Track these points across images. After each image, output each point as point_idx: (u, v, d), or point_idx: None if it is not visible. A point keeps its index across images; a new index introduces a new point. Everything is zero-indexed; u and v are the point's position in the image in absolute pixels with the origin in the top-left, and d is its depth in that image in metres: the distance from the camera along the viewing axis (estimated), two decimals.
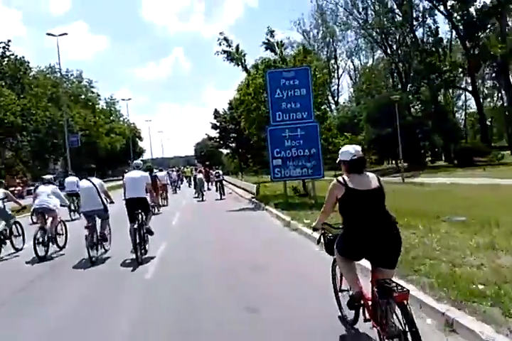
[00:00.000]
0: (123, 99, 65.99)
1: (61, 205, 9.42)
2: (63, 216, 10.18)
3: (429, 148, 48.50)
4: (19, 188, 35.84)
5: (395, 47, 53.51)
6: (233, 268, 6.81)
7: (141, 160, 17.84)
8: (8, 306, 5.67)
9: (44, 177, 9.80)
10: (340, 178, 3.54)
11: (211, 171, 29.11)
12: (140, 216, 7.67)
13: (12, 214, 9.56)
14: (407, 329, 2.92)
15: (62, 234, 9.27)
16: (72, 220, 13.79)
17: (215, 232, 10.87)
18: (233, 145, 45.77)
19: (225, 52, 18.07)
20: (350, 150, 3.61)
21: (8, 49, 45.89)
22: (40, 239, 8.24)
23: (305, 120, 15.00)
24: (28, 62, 46.23)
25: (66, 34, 34.24)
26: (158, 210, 15.80)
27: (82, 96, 67.30)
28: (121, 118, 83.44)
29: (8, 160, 50.92)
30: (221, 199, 21.02)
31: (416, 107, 50.34)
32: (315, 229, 4.12)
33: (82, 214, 8.54)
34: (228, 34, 18.15)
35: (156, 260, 7.58)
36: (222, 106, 45.23)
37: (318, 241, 4.30)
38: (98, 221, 8.26)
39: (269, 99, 15.36)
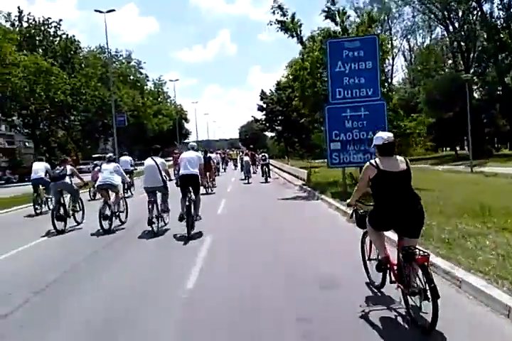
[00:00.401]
0: (171, 80, 65.14)
1: (122, 182, 10.12)
2: None
3: (493, 134, 44.35)
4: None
5: (457, 24, 48.83)
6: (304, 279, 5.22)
7: (188, 142, 18.64)
8: (84, 266, 6.48)
9: (106, 155, 10.50)
10: (372, 161, 4.06)
11: (256, 154, 28.44)
12: (190, 192, 8.40)
13: (78, 190, 10.24)
14: (427, 287, 3.49)
15: (124, 210, 9.87)
16: (126, 198, 12.97)
17: (269, 224, 9.42)
18: (279, 128, 43.74)
19: (279, 22, 16.11)
20: (383, 136, 4.10)
21: (59, 28, 46.00)
22: (105, 213, 8.87)
23: (370, 98, 12.93)
24: (79, 42, 46.10)
25: (114, 10, 33.34)
26: (212, 190, 16.66)
27: (131, 77, 67.41)
28: (168, 100, 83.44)
29: (60, 139, 51.82)
30: (266, 182, 20.73)
31: (480, 89, 45.95)
32: (349, 205, 4.66)
33: (143, 190, 9.05)
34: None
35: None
36: (269, 88, 43.58)
37: (351, 216, 4.91)
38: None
39: (328, 74, 13.38)
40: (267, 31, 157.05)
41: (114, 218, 9.21)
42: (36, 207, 12.45)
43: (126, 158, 16.15)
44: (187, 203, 8.13)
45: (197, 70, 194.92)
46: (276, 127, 43.80)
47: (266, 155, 23.43)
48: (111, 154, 10.82)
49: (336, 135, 13.16)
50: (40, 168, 12.52)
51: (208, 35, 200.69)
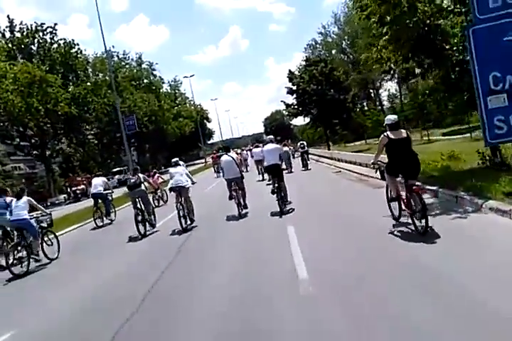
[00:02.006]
0: (185, 77, 59.47)
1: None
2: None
3: None
4: (82, 187, 30.59)
5: None
6: None
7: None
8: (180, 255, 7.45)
9: (172, 160, 10.69)
10: (385, 133, 6.19)
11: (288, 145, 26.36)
12: (276, 179, 9.68)
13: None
14: (419, 207, 5.68)
15: (193, 210, 10.09)
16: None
17: None
18: (314, 111, 36.90)
19: None
20: (391, 118, 6.38)
21: (56, 33, 40.60)
22: (181, 213, 9.46)
23: None
24: (78, 44, 40.58)
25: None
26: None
27: (145, 81, 62.08)
28: (186, 101, 77.82)
29: (77, 157, 47.05)
30: (306, 169, 20.87)
31: None
32: (373, 164, 7.13)
33: (225, 180, 10.60)
34: None
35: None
36: (286, 78, 36.51)
37: (376, 171, 7.23)
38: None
39: None
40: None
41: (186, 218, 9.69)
42: (97, 220, 13.04)
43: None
44: (275, 190, 9.52)
45: (212, 71, 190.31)
46: (312, 110, 36.87)
47: (304, 143, 23.40)
48: (176, 158, 10.98)
49: (496, 80, 6.64)
50: (98, 183, 13.36)
51: (219, 34, 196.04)
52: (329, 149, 36.36)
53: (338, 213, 8.62)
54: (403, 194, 6.20)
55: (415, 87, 31.07)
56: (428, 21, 8.89)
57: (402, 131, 6.17)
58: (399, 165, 6.10)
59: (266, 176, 18.48)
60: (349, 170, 16.86)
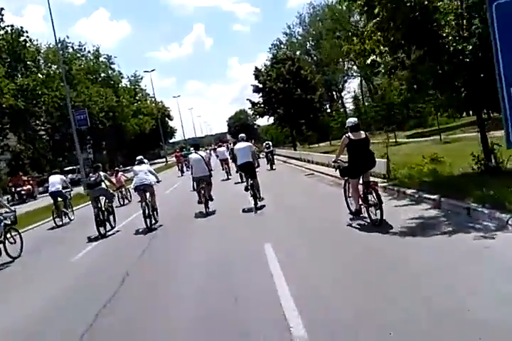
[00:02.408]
0: (146, 71, 56.67)
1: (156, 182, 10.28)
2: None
3: None
4: (28, 187, 27.76)
5: None
6: None
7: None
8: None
9: (136, 158, 10.50)
10: (347, 134, 6.77)
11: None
12: (249, 176, 9.88)
13: (113, 194, 10.89)
14: (377, 202, 6.33)
15: (157, 209, 10.07)
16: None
17: None
18: (280, 111, 35.66)
19: None
20: (351, 120, 7.03)
21: (2, 19, 37.10)
22: (146, 212, 9.27)
23: None
24: (27, 32, 37.27)
25: None
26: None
27: (102, 75, 58.83)
28: (147, 97, 74.79)
29: (28, 154, 43.51)
30: (272, 169, 20.47)
31: None
32: (334, 162, 7.47)
33: (192, 179, 11.25)
34: None
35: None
36: (250, 79, 35.21)
37: (336, 169, 7.61)
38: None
39: None
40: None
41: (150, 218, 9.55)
42: (56, 219, 12.61)
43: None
44: (249, 186, 9.76)
45: (175, 68, 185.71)
46: (278, 109, 35.58)
47: (270, 143, 23.32)
48: (141, 156, 10.76)
49: None
50: (56, 181, 12.88)
51: (183, 32, 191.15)
52: (295, 150, 35.24)
53: (306, 213, 8.83)
54: (360, 190, 6.85)
55: (385, 86, 30.44)
56: (426, 2, 7.61)
57: (362, 132, 6.82)
58: (359, 164, 6.74)
59: (232, 176, 17.83)
60: (322, 173, 15.57)
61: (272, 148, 22.37)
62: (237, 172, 15.14)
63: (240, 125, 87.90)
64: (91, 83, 48.88)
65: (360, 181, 6.88)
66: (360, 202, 6.81)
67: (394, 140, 31.04)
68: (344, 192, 7.53)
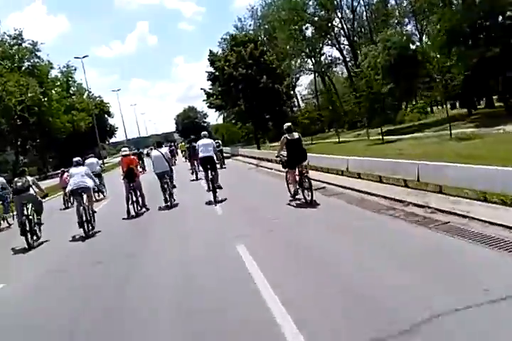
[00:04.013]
0: (77, 58, 48.29)
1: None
2: None
3: None
4: None
5: None
6: None
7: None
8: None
9: (74, 159, 9.95)
10: (285, 135, 8.77)
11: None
12: (211, 172, 10.67)
13: (41, 201, 9.57)
14: (307, 185, 8.45)
15: (95, 213, 9.50)
16: (97, 201, 13.14)
17: None
18: (242, 102, 29.61)
19: None
20: (287, 124, 9.06)
21: None
22: (84, 218, 8.71)
23: None
24: None
25: None
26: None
27: (26, 63, 49.65)
28: (83, 92, 65.59)
29: None
30: (222, 168, 19.79)
31: None
32: (277, 156, 9.81)
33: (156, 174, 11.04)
34: None
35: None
36: (196, 78, 29.46)
37: (279, 162, 10.49)
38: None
39: None
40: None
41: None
42: None
43: (93, 160, 15.21)
44: (209, 177, 10.68)
45: (118, 66, 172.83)
46: (239, 101, 29.45)
47: (219, 142, 22.93)
48: (78, 158, 10.19)
49: None
50: None
51: (126, 29, 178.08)
52: (259, 148, 29.45)
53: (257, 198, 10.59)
54: (297, 177, 8.82)
55: (367, 75, 25.55)
56: None
57: (295, 133, 8.90)
58: (295, 157, 8.77)
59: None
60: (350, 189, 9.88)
61: (221, 147, 22.38)
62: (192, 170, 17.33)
63: (189, 123, 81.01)
64: (8, 71, 40.09)
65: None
66: (297, 187, 8.82)
67: (381, 137, 26.12)
68: (286, 180, 9.60)
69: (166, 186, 10.75)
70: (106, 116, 68.84)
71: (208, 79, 30.72)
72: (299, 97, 62.18)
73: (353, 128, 43.64)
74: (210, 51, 30.03)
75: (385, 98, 24.13)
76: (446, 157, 11.65)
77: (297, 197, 8.86)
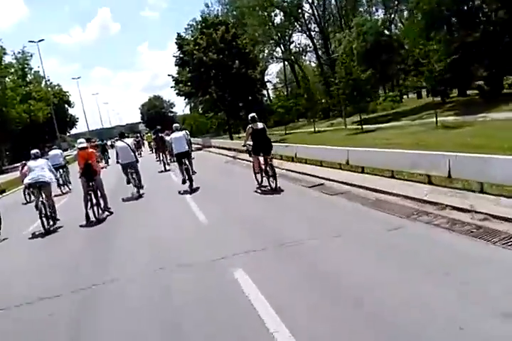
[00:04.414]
0: (31, 42, 44.56)
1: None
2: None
3: None
4: None
5: None
6: None
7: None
8: None
9: (32, 152, 9.23)
10: (250, 125, 9.04)
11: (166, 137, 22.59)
12: (186, 161, 10.60)
13: None
14: (272, 173, 8.79)
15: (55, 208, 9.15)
16: (63, 194, 13.04)
17: None
18: (213, 90, 27.64)
19: None
20: (251, 115, 9.15)
21: None
22: (43, 213, 8.26)
23: None
24: None
25: None
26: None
27: None
28: (41, 80, 61.14)
29: None
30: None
31: None
32: (244, 145, 9.97)
33: (120, 165, 10.85)
34: None
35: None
36: (161, 67, 26.93)
37: (246, 150, 10.15)
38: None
39: None
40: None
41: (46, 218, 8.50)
42: None
43: (57, 152, 14.42)
44: (185, 167, 10.51)
45: (79, 54, 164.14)
46: (210, 88, 27.41)
47: (187, 132, 19.93)
48: (36, 150, 9.37)
49: None
50: None
51: (86, 16, 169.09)
52: (232, 139, 27.70)
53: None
54: (263, 166, 9.08)
55: (344, 61, 24.16)
56: None
57: (260, 123, 9.16)
58: (260, 146, 9.01)
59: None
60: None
61: (189, 137, 20.59)
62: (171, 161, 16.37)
63: (154, 113, 77.61)
64: None
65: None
66: (263, 174, 9.14)
67: (360, 127, 24.91)
68: (253, 169, 9.64)
69: (132, 177, 10.78)
70: (66, 106, 64.68)
71: (176, 65, 28.48)
72: (269, 86, 60.21)
73: (325, 118, 42.55)
74: (178, 34, 27.72)
75: (364, 85, 22.87)
76: (444, 147, 10.48)
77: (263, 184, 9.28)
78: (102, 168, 10.48)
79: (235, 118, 28.92)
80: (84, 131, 77.28)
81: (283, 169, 11.28)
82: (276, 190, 8.53)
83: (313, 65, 65.09)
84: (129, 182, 10.86)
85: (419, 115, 27.43)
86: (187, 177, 10.37)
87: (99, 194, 8.88)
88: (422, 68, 18.46)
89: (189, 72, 27.39)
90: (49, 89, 58.18)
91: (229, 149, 21.55)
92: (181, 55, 27.55)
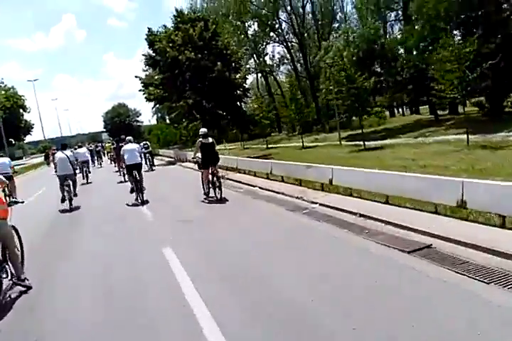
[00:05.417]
0: None
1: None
2: None
3: None
4: None
5: None
6: None
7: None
8: None
9: None
10: (199, 139, 9.79)
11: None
12: (137, 175, 10.57)
13: None
14: (218, 184, 9.71)
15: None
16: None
17: None
18: (189, 95, 23.19)
19: None
20: (202, 130, 10.01)
21: None
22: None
23: None
24: None
25: None
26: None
27: None
28: None
29: None
30: (152, 170, 19.88)
31: None
32: (193, 158, 11.04)
33: (57, 177, 10.81)
34: None
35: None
36: (129, 75, 22.65)
37: (195, 163, 11.55)
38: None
39: None
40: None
41: None
42: None
43: (4, 160, 12.61)
44: (134, 180, 10.62)
45: (41, 60, 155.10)
46: (184, 93, 22.90)
47: (148, 143, 21.74)
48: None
49: None
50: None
51: (50, 21, 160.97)
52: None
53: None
54: (210, 177, 9.71)
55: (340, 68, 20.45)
56: None
57: (210, 138, 9.93)
58: (208, 159, 9.70)
59: (91, 180, 17.13)
60: None
61: (150, 149, 21.35)
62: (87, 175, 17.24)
63: (119, 122, 71.66)
64: None
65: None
66: (210, 186, 9.77)
67: (351, 143, 21.13)
68: (201, 179, 10.13)
69: (67, 189, 10.74)
70: (21, 110, 57.93)
71: (145, 65, 23.80)
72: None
73: (305, 133, 38.96)
74: (149, 29, 23.13)
75: (364, 95, 19.33)
76: None
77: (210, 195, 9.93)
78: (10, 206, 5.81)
79: (215, 127, 24.52)
80: (44, 138, 70.40)
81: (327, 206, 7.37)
82: (221, 200, 9.50)
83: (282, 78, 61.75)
84: (63, 201, 10.71)
85: (418, 132, 24.23)
86: (135, 188, 10.57)
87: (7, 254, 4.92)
88: (449, 75, 14.90)
89: (161, 72, 22.88)
90: (2, 92, 51.77)
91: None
92: (152, 54, 22.99)
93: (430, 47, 23.10)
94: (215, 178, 9.65)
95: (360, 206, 6.85)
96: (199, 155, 9.97)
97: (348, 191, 8.00)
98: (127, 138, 11.80)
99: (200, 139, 9.70)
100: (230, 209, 8.90)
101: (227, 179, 13.03)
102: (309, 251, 5.36)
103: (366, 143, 21.99)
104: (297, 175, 10.26)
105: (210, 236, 6.66)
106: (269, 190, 10.00)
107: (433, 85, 16.48)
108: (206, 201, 9.60)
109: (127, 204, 10.29)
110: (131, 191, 10.63)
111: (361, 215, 6.30)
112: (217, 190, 9.62)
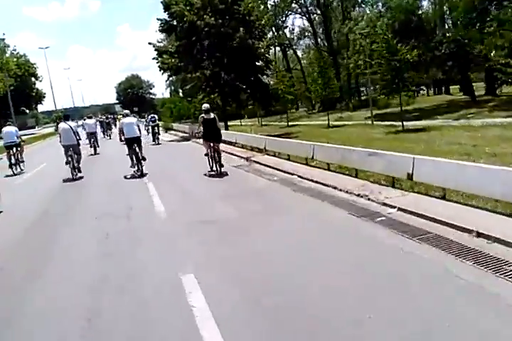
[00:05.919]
0: None
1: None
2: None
3: None
4: None
5: None
6: None
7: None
8: None
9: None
10: (202, 115, 10.06)
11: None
12: (136, 147, 10.65)
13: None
14: (218, 159, 9.92)
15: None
16: (15, 175, 12.79)
17: None
18: (207, 64, 20.91)
19: None
20: (205, 105, 10.17)
21: None
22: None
23: None
24: None
25: None
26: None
27: None
28: (4, 48, 52.18)
29: None
30: (157, 144, 19.56)
31: None
32: (197, 133, 14.29)
33: (62, 146, 11.07)
34: None
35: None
36: (144, 46, 20.68)
37: (199, 138, 13.19)
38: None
39: None
40: None
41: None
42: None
43: (11, 129, 13.46)
44: (133, 152, 10.63)
45: (56, 30, 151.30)
46: (202, 63, 20.64)
47: (155, 116, 21.32)
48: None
49: None
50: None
51: None
52: (227, 129, 21.20)
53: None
54: (209, 151, 9.99)
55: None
56: None
57: (211, 114, 10.02)
58: (209, 134, 9.95)
59: (99, 152, 17.45)
60: None
61: (157, 122, 21.12)
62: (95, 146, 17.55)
63: (132, 94, 69.56)
64: None
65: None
66: (211, 160, 10.02)
67: (401, 125, 18.70)
68: (206, 153, 10.18)
69: (70, 159, 10.83)
70: (33, 79, 56.00)
71: (160, 30, 21.35)
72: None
73: (325, 110, 36.49)
74: None
75: (405, 69, 16.89)
76: None
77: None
78: None
79: (234, 101, 22.33)
80: (59, 108, 68.77)
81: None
82: (222, 174, 9.76)
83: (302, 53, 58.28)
84: (67, 163, 10.92)
85: (458, 114, 21.82)
86: (136, 162, 10.60)
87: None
88: (499, 51, 12.48)
89: (177, 39, 20.58)
90: (15, 59, 49.62)
91: (234, 144, 15.30)
92: (168, 19, 20.59)
93: (475, 20, 20.37)
94: (216, 153, 9.91)
95: (472, 218, 4.73)
96: (202, 129, 10.28)
97: (439, 191, 5.84)
98: (124, 111, 12.16)
99: (203, 115, 10.01)
100: (265, 207, 6.51)
101: (254, 162, 11.15)
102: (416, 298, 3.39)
103: (391, 122, 19.73)
104: (353, 163, 7.95)
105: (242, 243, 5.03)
106: (313, 181, 7.85)
107: (490, 58, 13.98)
108: (208, 174, 9.89)
109: (125, 177, 10.49)
110: (132, 165, 10.63)
111: (479, 234, 4.27)
112: (217, 164, 9.89)
